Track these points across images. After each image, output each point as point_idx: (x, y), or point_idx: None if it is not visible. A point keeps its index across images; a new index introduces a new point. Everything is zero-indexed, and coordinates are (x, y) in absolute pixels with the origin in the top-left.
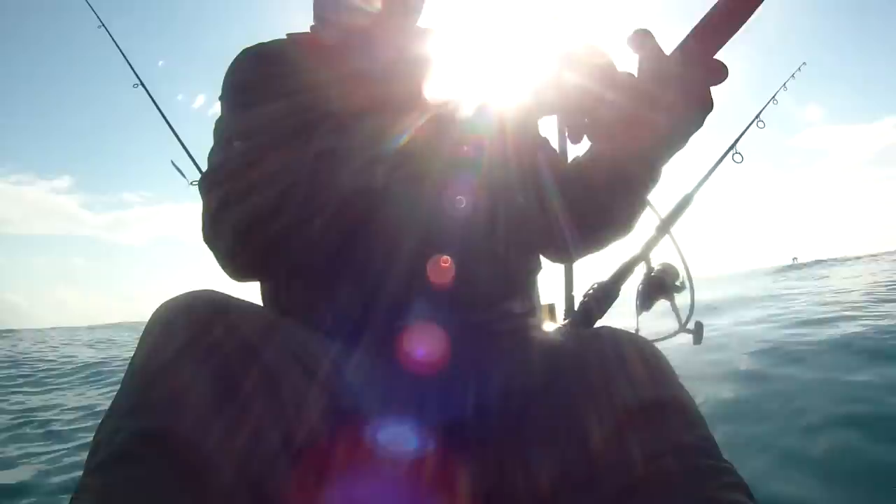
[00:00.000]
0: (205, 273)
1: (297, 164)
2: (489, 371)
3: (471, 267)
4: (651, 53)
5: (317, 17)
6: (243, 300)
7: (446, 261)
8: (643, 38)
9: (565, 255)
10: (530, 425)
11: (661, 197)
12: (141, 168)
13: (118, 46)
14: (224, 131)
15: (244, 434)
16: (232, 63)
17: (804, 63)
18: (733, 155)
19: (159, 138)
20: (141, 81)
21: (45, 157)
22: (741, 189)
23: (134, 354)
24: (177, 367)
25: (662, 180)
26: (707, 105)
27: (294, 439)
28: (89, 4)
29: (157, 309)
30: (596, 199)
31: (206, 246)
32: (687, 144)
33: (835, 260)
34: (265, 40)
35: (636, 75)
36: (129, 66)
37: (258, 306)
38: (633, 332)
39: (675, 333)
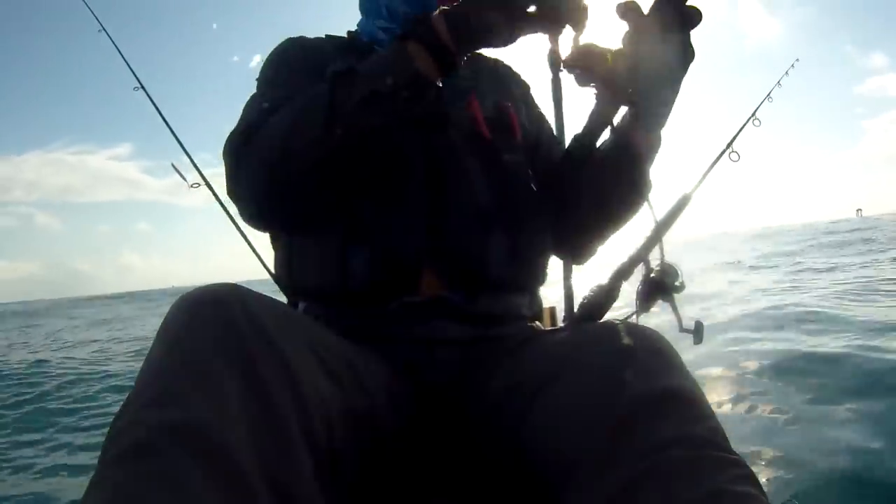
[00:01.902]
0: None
1: (314, 87)
2: (495, 368)
3: (490, 238)
4: (635, 17)
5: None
6: (264, 294)
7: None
8: (626, 9)
9: (574, 246)
10: (536, 418)
11: (660, 198)
12: (203, 128)
13: (118, 49)
14: (250, 101)
15: (268, 430)
16: (272, 51)
17: (797, 60)
18: (730, 154)
19: (213, 101)
20: (141, 84)
21: (104, 125)
22: (807, 142)
23: (153, 345)
24: (203, 362)
25: (658, 180)
26: (687, 50)
27: (315, 437)
28: (89, 7)
29: (178, 302)
30: (604, 180)
31: (230, 198)
32: (675, 99)
33: None
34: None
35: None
36: (129, 69)
37: (279, 301)
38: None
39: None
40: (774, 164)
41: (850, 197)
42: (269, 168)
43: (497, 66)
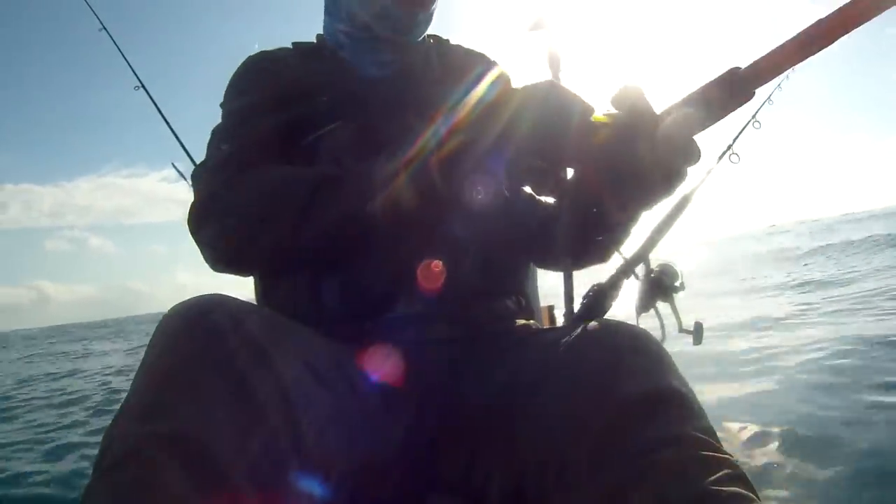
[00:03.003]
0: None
1: (296, 181)
2: (486, 369)
3: (461, 260)
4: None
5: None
6: (251, 303)
7: (437, 265)
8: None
9: (555, 263)
10: (528, 419)
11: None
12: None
13: (119, 49)
14: (213, 136)
15: (257, 439)
16: (233, 74)
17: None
18: (730, 156)
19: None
20: (142, 83)
21: (153, 148)
22: (853, 128)
23: (145, 356)
24: (192, 372)
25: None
26: (681, 177)
27: (305, 444)
28: (90, 7)
29: (169, 313)
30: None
31: (190, 234)
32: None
33: None
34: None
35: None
36: (130, 69)
37: (267, 310)
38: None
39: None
40: (816, 156)
41: None
42: (233, 243)
43: (474, 67)
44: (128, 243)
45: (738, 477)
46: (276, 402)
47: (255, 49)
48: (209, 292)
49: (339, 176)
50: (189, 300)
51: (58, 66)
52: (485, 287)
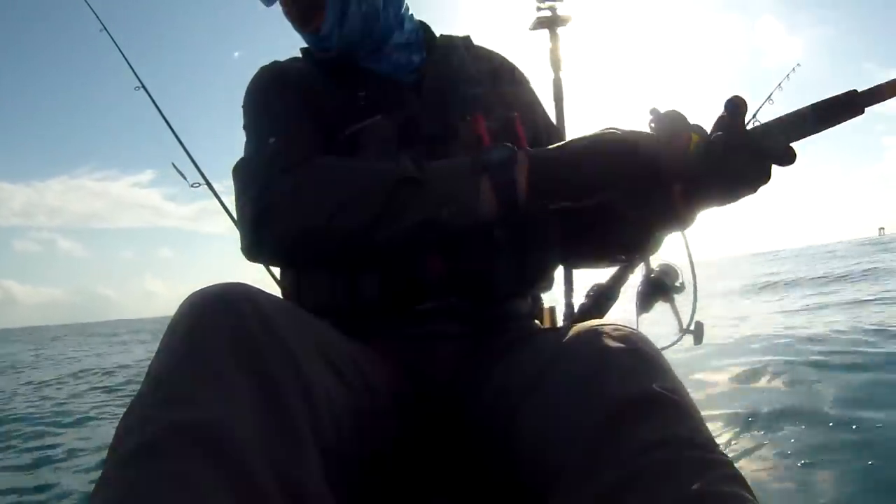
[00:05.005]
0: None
1: (375, 177)
2: (487, 370)
3: (488, 260)
4: (736, 122)
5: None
6: (273, 294)
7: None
8: (738, 107)
9: (569, 264)
10: (523, 423)
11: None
12: (225, 154)
13: (120, 49)
14: (256, 130)
15: (279, 430)
16: (249, 88)
17: (798, 64)
18: None
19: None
20: (142, 84)
21: (128, 152)
22: (826, 161)
23: (163, 343)
24: (212, 361)
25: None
26: (763, 181)
27: (325, 436)
28: (91, 7)
29: (188, 300)
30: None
31: (240, 227)
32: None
33: None
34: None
35: (712, 135)
36: (130, 69)
37: (287, 301)
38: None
39: (679, 338)
40: (789, 186)
41: (872, 216)
42: (303, 238)
43: (502, 68)
44: (97, 247)
45: (734, 477)
46: (299, 395)
47: (235, 56)
48: (213, 283)
49: (417, 178)
50: (211, 287)
51: (47, 65)
52: (517, 289)
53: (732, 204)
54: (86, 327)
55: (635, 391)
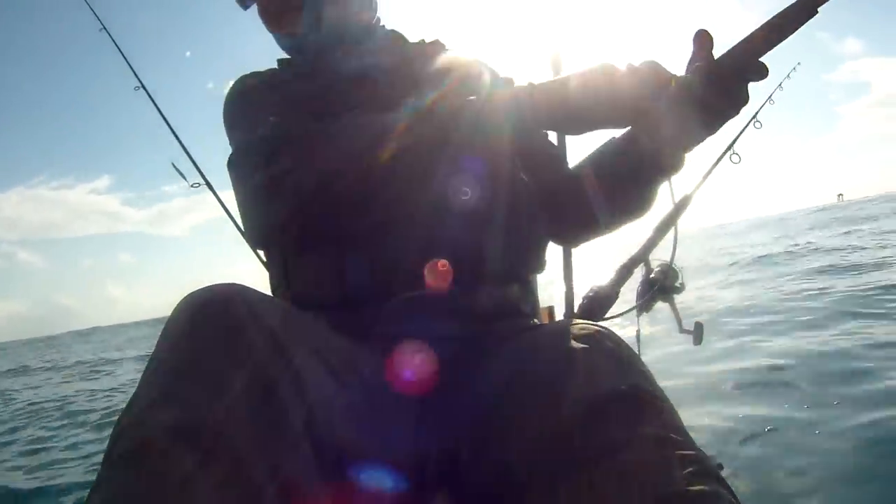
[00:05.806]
0: (249, 255)
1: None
2: (474, 369)
3: (481, 243)
4: (706, 55)
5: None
6: (267, 294)
7: (444, 265)
8: (704, 40)
9: (567, 239)
10: (496, 431)
11: (660, 198)
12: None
13: (119, 49)
14: (242, 128)
15: (274, 429)
16: (226, 95)
17: (799, 63)
18: (731, 156)
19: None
20: (142, 84)
21: (83, 159)
22: (783, 132)
23: (158, 345)
24: (207, 361)
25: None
26: (742, 102)
27: (319, 435)
28: (90, 7)
29: (183, 301)
30: (618, 184)
31: (250, 207)
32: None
33: (883, 197)
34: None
35: (687, 73)
36: (130, 69)
37: (282, 301)
38: (634, 331)
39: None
40: (751, 159)
41: (831, 183)
42: (320, 179)
43: (469, 68)
44: (57, 257)
45: (706, 473)
46: (293, 395)
47: (187, 55)
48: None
49: (347, 126)
50: (205, 289)
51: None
52: (507, 267)
53: (717, 131)
54: (52, 340)
55: (602, 391)
